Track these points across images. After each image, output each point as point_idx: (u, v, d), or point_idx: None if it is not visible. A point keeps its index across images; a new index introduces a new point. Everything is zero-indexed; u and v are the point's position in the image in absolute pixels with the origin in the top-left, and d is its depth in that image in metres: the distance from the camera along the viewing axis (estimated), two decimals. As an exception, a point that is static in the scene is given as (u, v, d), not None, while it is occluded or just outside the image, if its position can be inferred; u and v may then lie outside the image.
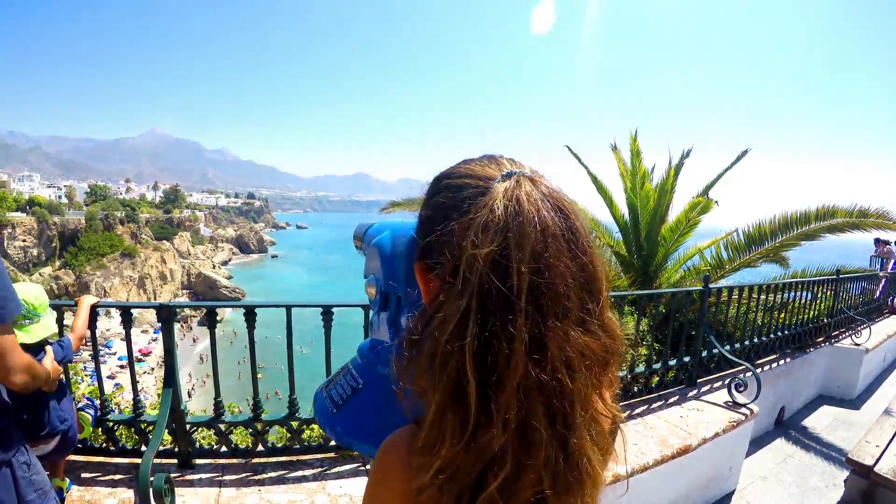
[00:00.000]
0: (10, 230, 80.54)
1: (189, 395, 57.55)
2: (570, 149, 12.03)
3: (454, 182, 0.98)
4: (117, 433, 4.36)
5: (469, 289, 0.78)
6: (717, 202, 9.88)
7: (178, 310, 4.24)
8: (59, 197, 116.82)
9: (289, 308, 4.39)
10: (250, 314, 4.37)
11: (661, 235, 10.65)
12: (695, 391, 6.27)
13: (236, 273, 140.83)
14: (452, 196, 0.94)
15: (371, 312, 1.63)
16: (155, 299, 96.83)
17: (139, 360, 66.04)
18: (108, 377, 59.20)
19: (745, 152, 10.73)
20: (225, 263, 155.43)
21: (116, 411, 5.28)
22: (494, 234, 0.80)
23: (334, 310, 4.55)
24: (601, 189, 11.75)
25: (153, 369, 64.51)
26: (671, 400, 5.95)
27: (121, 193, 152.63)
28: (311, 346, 76.79)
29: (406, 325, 1.23)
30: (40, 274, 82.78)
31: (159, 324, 4.15)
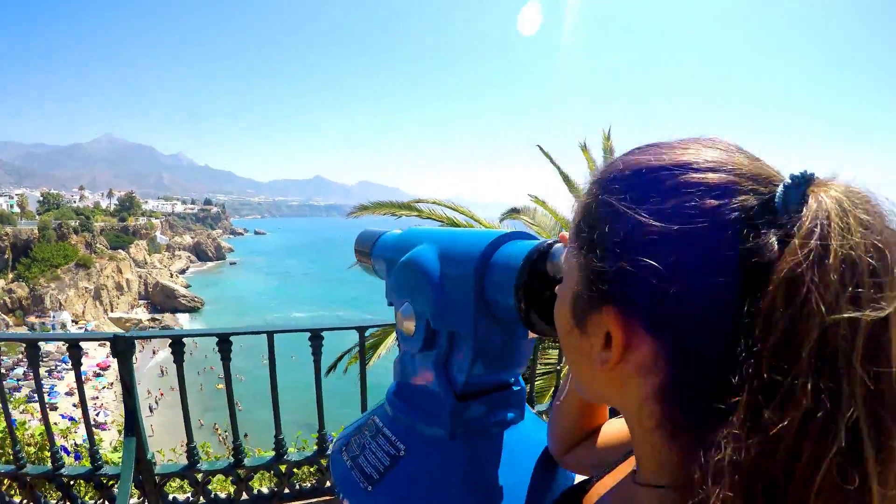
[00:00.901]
0: (-41, 242, 78.32)
1: (151, 410, 56.83)
2: (541, 148, 12.29)
3: (695, 179, 0.59)
4: (74, 489, 3.75)
5: (829, 380, 0.44)
6: None
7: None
8: (11, 206, 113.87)
9: (271, 335, 3.85)
10: (224, 343, 3.77)
11: None
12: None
13: (194, 281, 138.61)
14: (700, 205, 0.56)
15: (397, 345, 1.42)
16: (112, 310, 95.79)
17: (98, 375, 65.12)
18: (67, 393, 58.24)
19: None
20: (183, 272, 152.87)
21: (73, 455, 4.99)
22: (857, 282, 0.46)
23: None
24: (573, 189, 11.87)
25: (112, 384, 63.40)
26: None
27: (75, 201, 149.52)
28: (289, 359, 77.28)
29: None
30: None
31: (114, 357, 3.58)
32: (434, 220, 11.14)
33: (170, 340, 3.69)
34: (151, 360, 74.91)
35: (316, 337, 4.01)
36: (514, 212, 12.77)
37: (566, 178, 12.08)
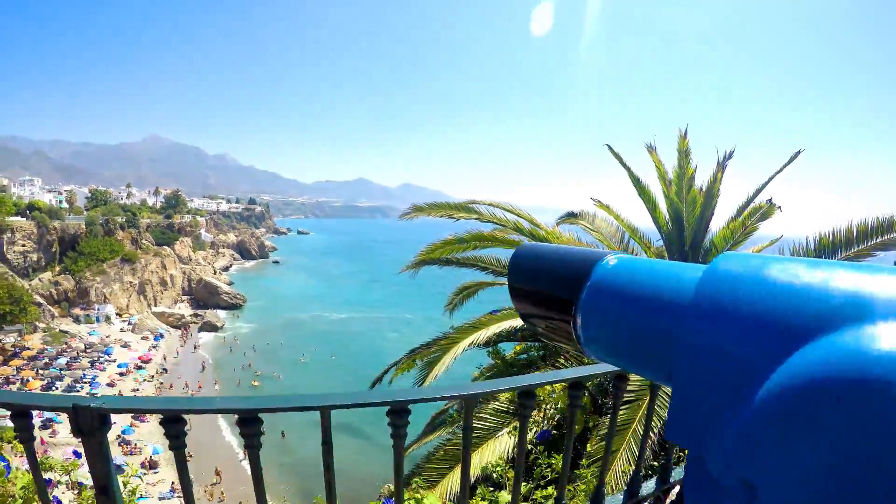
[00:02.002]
0: (9, 235, 79.61)
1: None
2: (611, 148, 11.40)
3: None
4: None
5: None
6: (780, 207, 9.17)
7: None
8: (60, 202, 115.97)
9: (326, 411, 2.11)
10: (251, 423, 1.98)
11: (711, 243, 9.98)
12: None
13: (237, 278, 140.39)
14: None
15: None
16: (156, 305, 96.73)
17: (139, 367, 65.41)
18: (108, 384, 58.62)
19: (797, 153, 10.09)
20: (226, 269, 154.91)
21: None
22: None
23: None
24: (644, 193, 11.02)
25: (153, 377, 63.94)
26: None
27: (122, 198, 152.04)
28: (312, 354, 75.66)
29: None
30: (40, 279, 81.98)
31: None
32: (495, 223, 10.69)
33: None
34: (193, 357, 74.81)
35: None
36: (570, 216, 12.41)
37: (637, 181, 11.09)
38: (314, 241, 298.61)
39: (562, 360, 9.09)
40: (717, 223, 10.11)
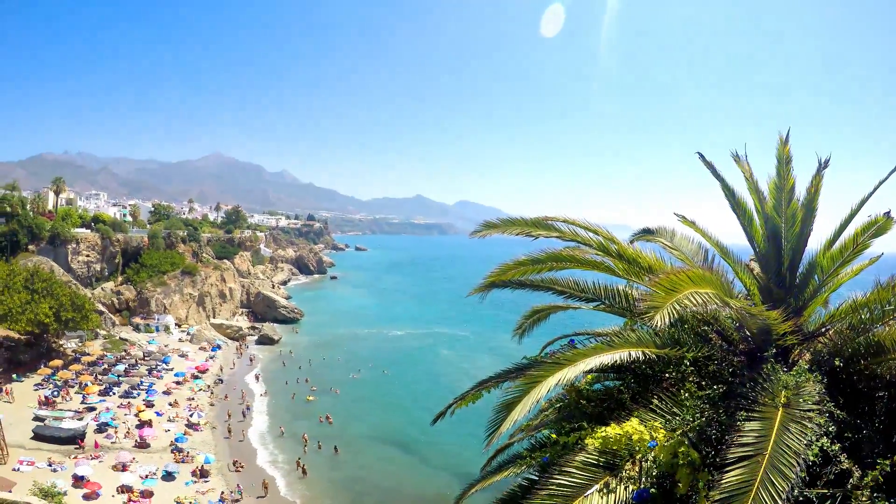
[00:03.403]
0: (74, 245, 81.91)
1: (243, 416, 57.13)
2: (702, 157, 10.23)
3: None
4: None
5: None
6: None
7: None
8: (124, 215, 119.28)
9: None
10: None
11: (814, 264, 9.12)
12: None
13: (295, 293, 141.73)
14: None
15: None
16: (214, 317, 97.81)
17: (195, 377, 65.56)
18: (164, 392, 58.68)
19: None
20: (284, 283, 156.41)
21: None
22: None
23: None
24: (740, 206, 9.95)
25: (209, 387, 64.05)
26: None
27: (184, 213, 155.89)
28: (367, 370, 74.99)
29: None
30: (102, 288, 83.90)
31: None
32: (577, 241, 10.12)
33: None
34: (249, 369, 74.89)
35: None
36: (646, 233, 11.83)
37: (731, 194, 10.14)
38: (372, 257, 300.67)
39: (656, 401, 8.05)
40: (814, 240, 9.29)
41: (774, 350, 7.98)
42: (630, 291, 10.62)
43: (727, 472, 5.99)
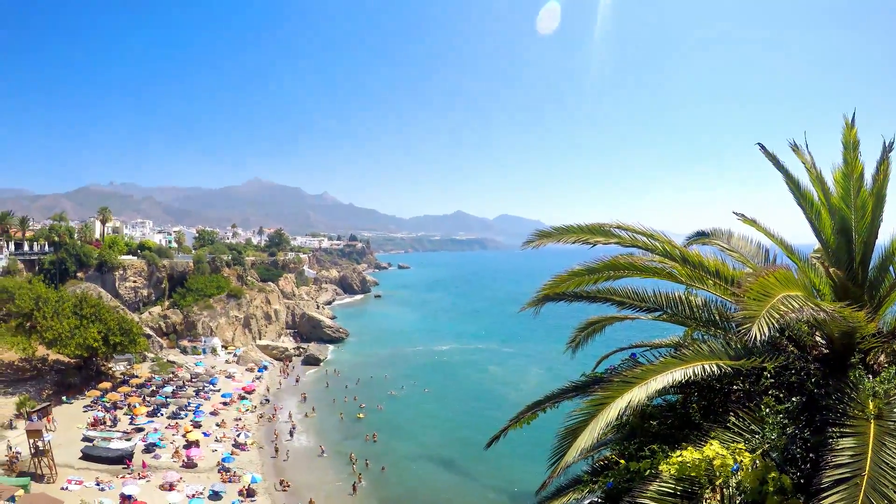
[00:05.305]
0: (121, 272, 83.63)
1: (291, 435, 56.49)
2: (764, 147, 9.54)
3: None
4: None
5: None
6: None
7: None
8: (170, 241, 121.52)
9: None
10: None
11: (887, 257, 8.43)
12: None
13: (340, 313, 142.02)
14: None
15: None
16: (260, 338, 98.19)
17: (242, 398, 65.45)
18: (212, 413, 58.55)
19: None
20: (329, 304, 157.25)
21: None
22: None
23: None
24: (806, 198, 9.18)
25: (255, 407, 63.86)
26: None
27: (227, 238, 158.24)
28: (409, 386, 74.02)
29: None
30: (150, 313, 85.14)
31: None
32: (638, 247, 9.52)
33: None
34: (296, 388, 74.85)
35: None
36: (701, 236, 11.35)
37: (796, 187, 9.36)
38: (414, 274, 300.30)
39: (732, 418, 7.09)
40: (884, 231, 8.40)
41: (861, 355, 7.19)
42: (693, 298, 9.74)
43: (823, 499, 5.21)
